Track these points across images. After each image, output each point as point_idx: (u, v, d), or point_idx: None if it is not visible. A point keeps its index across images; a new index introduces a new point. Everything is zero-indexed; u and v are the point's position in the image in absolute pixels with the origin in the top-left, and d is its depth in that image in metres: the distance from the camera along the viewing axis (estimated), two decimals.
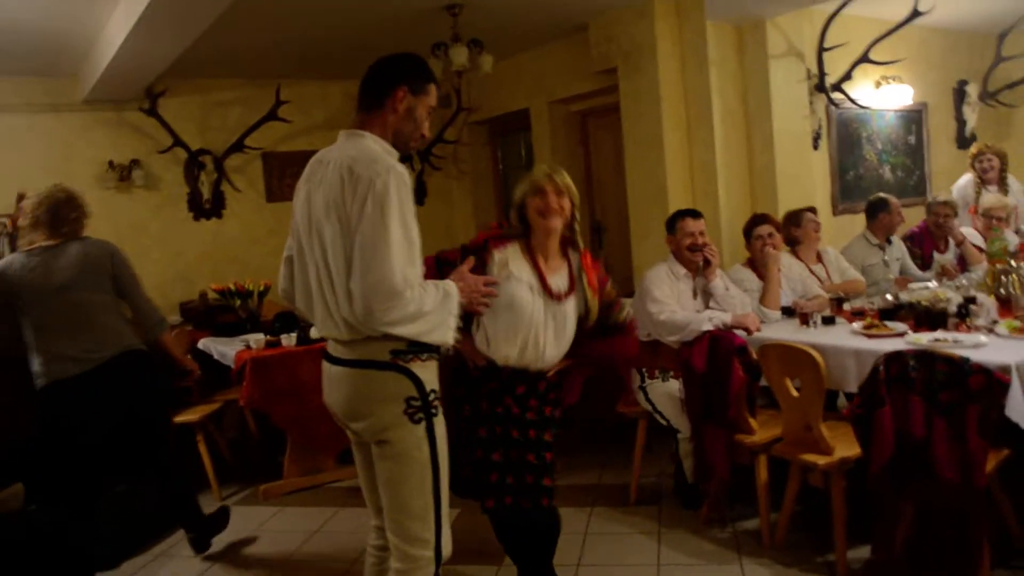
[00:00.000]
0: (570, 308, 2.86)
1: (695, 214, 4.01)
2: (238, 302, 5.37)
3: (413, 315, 2.13)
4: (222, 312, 5.67)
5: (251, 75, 6.59)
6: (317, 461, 4.72)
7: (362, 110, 2.34)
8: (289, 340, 4.65)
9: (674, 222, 4.00)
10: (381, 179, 2.11)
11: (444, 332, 2.23)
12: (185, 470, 3.97)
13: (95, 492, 3.67)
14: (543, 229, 2.83)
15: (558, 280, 2.85)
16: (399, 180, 2.14)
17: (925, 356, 2.91)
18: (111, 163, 6.24)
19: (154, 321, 3.75)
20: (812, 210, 4.71)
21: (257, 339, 4.70)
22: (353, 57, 6.09)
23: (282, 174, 6.90)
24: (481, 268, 2.77)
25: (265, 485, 4.61)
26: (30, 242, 3.50)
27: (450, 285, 2.29)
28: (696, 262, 3.93)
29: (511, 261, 2.84)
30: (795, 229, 4.62)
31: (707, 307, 3.93)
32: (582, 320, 2.92)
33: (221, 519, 3.95)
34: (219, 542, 3.98)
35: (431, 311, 2.17)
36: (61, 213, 3.53)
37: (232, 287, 5.42)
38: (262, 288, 5.46)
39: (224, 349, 4.85)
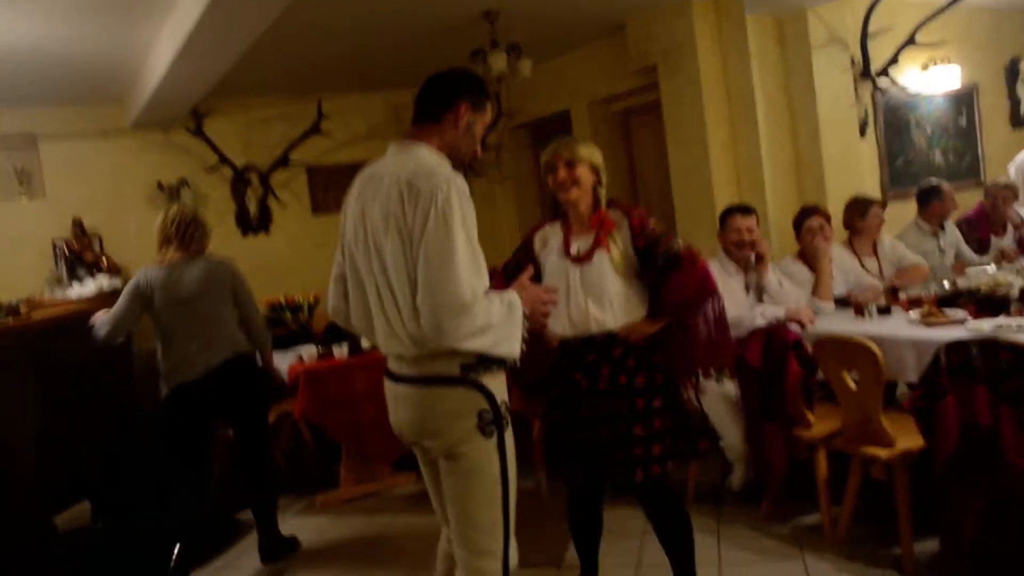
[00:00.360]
0: (600, 266, 2.77)
1: (745, 210, 4.00)
2: (289, 315, 5.43)
3: (482, 328, 2.09)
4: (273, 326, 5.69)
5: (292, 90, 6.68)
6: (372, 470, 4.75)
7: (418, 122, 2.32)
8: (341, 351, 4.70)
9: (724, 218, 3.99)
10: (443, 192, 2.08)
11: (512, 344, 2.18)
12: (273, 473, 4.13)
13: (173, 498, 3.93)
14: (565, 203, 2.86)
15: (582, 243, 2.84)
16: (460, 192, 2.11)
17: (988, 344, 2.83)
18: (160, 184, 6.38)
19: (262, 336, 4.10)
20: (882, 204, 4.59)
21: (309, 351, 4.75)
22: (393, 67, 6.19)
23: (327, 186, 6.97)
24: (529, 254, 2.94)
25: (322, 495, 4.66)
26: (161, 258, 3.87)
27: (513, 296, 2.22)
28: (745, 257, 3.89)
29: (550, 237, 2.94)
30: (859, 220, 4.53)
31: (760, 303, 3.89)
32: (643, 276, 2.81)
33: (293, 543, 4.07)
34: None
35: (498, 323, 2.13)
36: (187, 232, 3.88)
37: (282, 300, 5.49)
38: (312, 300, 5.52)
39: (277, 363, 4.90)
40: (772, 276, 3.91)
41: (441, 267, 2.05)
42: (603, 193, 2.88)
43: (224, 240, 6.64)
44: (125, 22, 4.40)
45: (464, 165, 2.44)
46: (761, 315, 3.68)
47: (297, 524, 4.42)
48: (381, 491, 4.75)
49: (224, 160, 6.49)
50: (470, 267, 2.07)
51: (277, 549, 3.97)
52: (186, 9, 3.99)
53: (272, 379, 4.37)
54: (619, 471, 2.75)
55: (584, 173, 2.81)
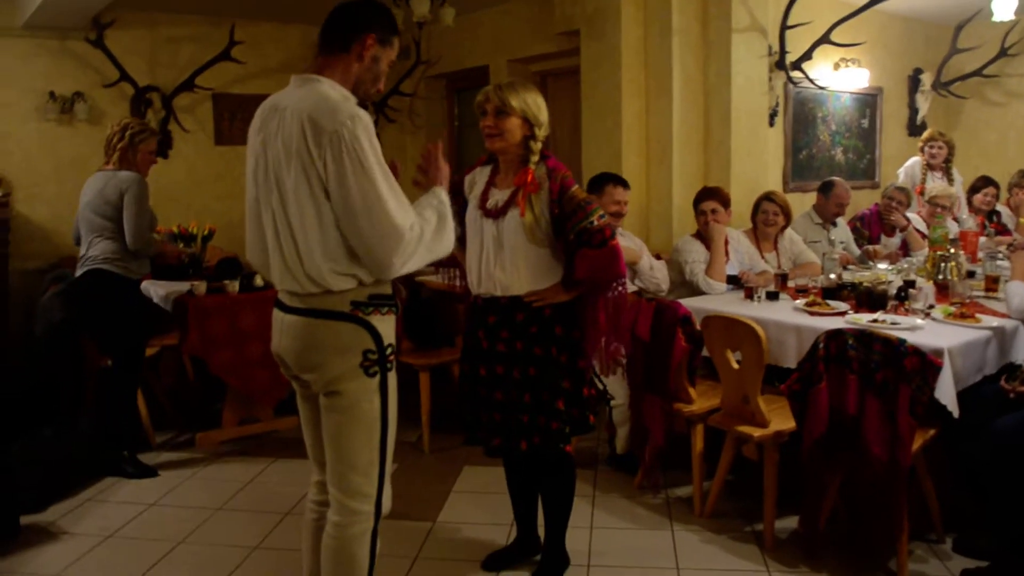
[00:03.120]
0: (511, 227, 2.67)
1: (624, 182, 4.09)
2: (181, 245, 5.23)
3: (417, 250, 2.14)
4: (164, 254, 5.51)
5: (205, 12, 6.39)
6: (255, 411, 4.67)
7: (324, 53, 2.25)
8: (232, 286, 4.56)
9: (602, 185, 4.06)
10: (348, 129, 2.05)
11: (448, 244, 2.25)
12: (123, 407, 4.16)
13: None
14: (491, 150, 2.76)
15: (500, 196, 2.74)
16: (365, 126, 2.09)
17: (864, 336, 2.96)
18: (52, 94, 6.01)
19: (138, 246, 4.02)
20: (782, 208, 4.58)
21: (198, 284, 4.59)
22: (311, 0, 5.96)
23: (233, 117, 6.73)
24: (460, 194, 2.85)
25: (201, 433, 4.55)
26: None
27: (440, 193, 2.29)
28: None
29: (477, 181, 2.85)
30: (753, 215, 4.64)
31: (632, 283, 4.04)
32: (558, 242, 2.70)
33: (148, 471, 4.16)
34: (152, 489, 3.95)
35: (431, 236, 2.18)
36: (109, 144, 4.05)
37: (175, 230, 5.28)
38: (206, 232, 5.33)
39: (164, 293, 4.73)
40: (644, 260, 4.08)
41: (370, 208, 2.06)
42: (536, 147, 2.72)
43: None
44: None
45: (364, 103, 2.38)
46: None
47: (173, 460, 4.32)
48: (262, 433, 4.67)
49: (125, 76, 6.13)
50: (393, 199, 2.09)
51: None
52: None
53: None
54: (508, 435, 2.75)
55: (513, 125, 2.67)
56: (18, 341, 5.44)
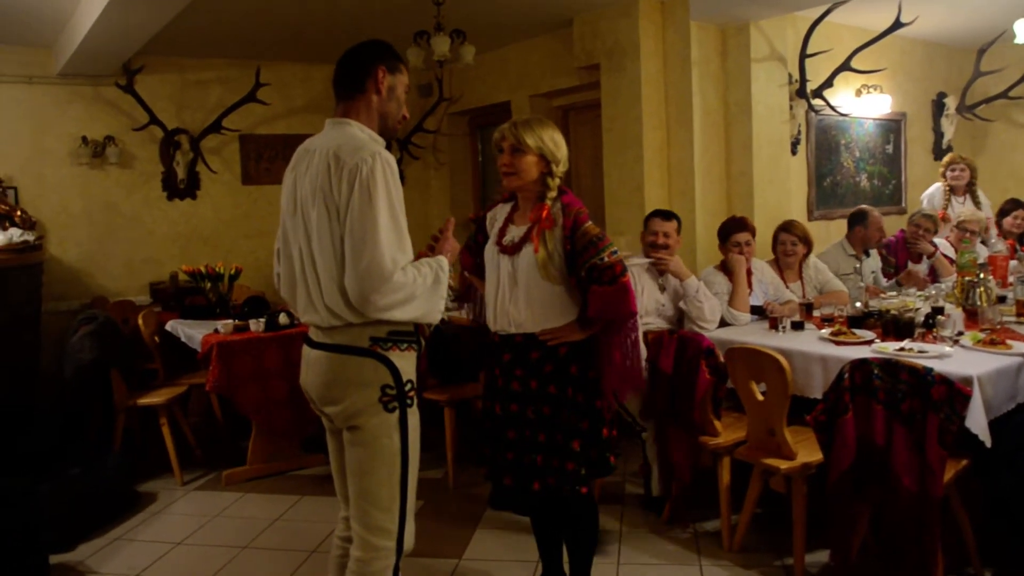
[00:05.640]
0: (525, 264, 2.66)
1: (666, 215, 4.10)
2: (208, 285, 5.30)
3: (405, 299, 2.15)
4: (191, 294, 5.60)
5: (231, 55, 6.52)
6: (281, 448, 4.68)
7: (344, 99, 2.33)
8: (257, 326, 4.60)
9: (646, 220, 4.14)
10: (368, 165, 2.12)
11: (435, 314, 2.26)
12: None
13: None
14: (508, 188, 2.78)
15: (517, 232, 2.74)
16: (385, 165, 2.15)
17: (889, 365, 2.92)
18: (85, 139, 6.15)
19: None
20: (801, 238, 4.55)
21: (225, 323, 4.64)
22: (335, 41, 6.02)
23: (259, 157, 6.83)
24: (483, 230, 2.90)
25: (228, 471, 4.57)
26: None
27: (442, 262, 2.29)
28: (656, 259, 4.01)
29: (498, 217, 2.86)
30: (774, 246, 4.62)
31: (675, 307, 3.99)
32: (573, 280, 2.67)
33: None
34: (180, 528, 3.97)
35: (423, 294, 2.19)
36: None
37: (203, 269, 5.36)
38: (233, 272, 5.40)
39: (191, 332, 4.79)
40: (692, 282, 3.97)
41: (364, 239, 2.10)
42: (554, 184, 2.71)
43: (148, 203, 6.48)
44: None
45: (395, 134, 2.43)
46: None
47: (201, 498, 4.34)
48: (288, 471, 4.68)
49: (154, 120, 6.26)
50: (392, 239, 2.12)
51: None
52: None
53: None
54: (520, 474, 2.73)
55: (529, 162, 2.66)
56: (48, 381, 5.52)
